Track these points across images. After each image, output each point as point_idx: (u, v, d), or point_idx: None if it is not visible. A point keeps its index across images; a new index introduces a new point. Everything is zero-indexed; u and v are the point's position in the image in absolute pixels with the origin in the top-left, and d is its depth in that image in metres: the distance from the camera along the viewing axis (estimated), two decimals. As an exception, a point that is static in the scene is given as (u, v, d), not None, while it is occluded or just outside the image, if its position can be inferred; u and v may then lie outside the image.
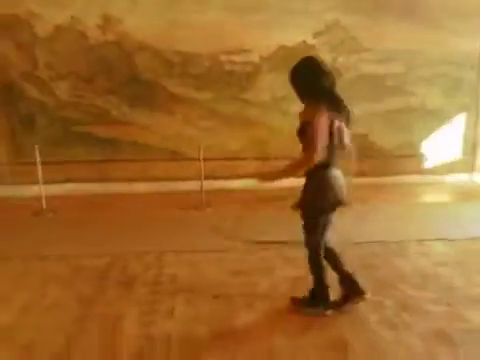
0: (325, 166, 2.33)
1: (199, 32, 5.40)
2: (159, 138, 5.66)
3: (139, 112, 5.57)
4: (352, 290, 2.50)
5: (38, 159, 4.77)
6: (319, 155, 2.23)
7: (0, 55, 5.24)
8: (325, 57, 5.61)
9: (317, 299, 2.52)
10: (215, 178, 5.63)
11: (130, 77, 5.48)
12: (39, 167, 4.77)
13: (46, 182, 5.39)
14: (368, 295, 2.51)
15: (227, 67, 5.62)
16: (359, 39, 5.67)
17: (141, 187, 5.62)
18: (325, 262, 2.50)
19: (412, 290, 2.81)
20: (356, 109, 5.63)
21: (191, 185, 5.41)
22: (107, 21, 5.31)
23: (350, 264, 2.56)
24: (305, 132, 2.29)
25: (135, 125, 5.59)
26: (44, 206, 4.75)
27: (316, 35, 5.62)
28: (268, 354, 2.14)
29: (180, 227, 4.26)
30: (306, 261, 2.50)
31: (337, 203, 2.40)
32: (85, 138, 5.55)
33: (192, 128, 5.71)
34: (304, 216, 2.43)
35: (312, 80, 2.37)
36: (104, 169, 5.65)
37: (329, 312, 2.48)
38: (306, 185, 2.40)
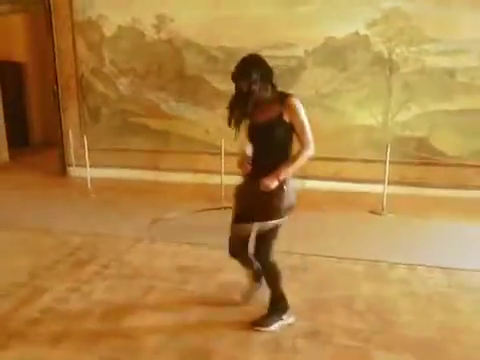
0: None
1: (243, 27, 5.36)
2: (203, 132, 5.83)
3: (185, 107, 5.82)
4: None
5: (86, 146, 5.41)
6: None
7: (76, 53, 6.07)
8: (380, 48, 5.05)
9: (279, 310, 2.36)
10: None
11: (178, 73, 5.76)
12: (86, 153, 5.41)
13: (105, 167, 6.13)
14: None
15: (271, 62, 5.43)
16: (422, 28, 4.86)
17: (186, 178, 5.89)
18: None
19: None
20: (415, 107, 5.01)
21: (229, 179, 5.49)
22: (161, 20, 5.67)
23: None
24: (274, 129, 2.19)
25: (182, 119, 5.87)
26: (89, 187, 5.38)
27: (370, 25, 5.03)
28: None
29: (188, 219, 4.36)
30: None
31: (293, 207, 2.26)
32: (140, 129, 6.06)
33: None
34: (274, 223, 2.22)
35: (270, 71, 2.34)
36: (155, 158, 6.08)
37: (291, 319, 2.38)
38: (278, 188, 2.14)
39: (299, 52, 5.31)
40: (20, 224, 4.09)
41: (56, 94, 6.24)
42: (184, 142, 5.92)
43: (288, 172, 2.17)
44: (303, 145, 2.20)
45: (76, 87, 6.18)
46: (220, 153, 5.82)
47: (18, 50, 8.85)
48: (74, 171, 6.22)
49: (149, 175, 6.02)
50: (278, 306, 2.37)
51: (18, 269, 3.09)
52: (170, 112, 5.90)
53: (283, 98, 2.23)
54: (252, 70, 2.31)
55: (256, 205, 2.18)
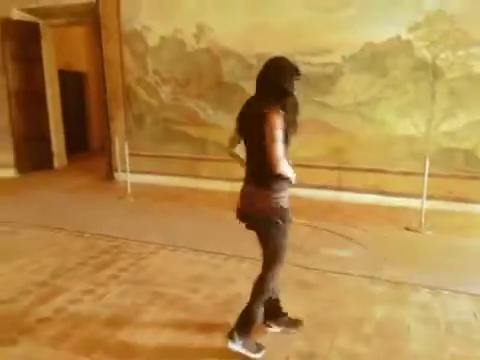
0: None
1: (277, 33, 5.32)
2: (237, 140, 5.85)
3: (221, 115, 5.89)
4: None
5: (127, 152, 5.66)
6: None
7: (122, 64, 6.39)
8: (423, 53, 4.76)
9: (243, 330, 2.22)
10: None
11: (216, 81, 5.84)
12: (127, 158, 5.66)
13: (146, 173, 6.39)
14: None
15: (304, 69, 5.31)
16: (469, 31, 4.50)
17: (222, 185, 5.94)
18: None
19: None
20: (462, 116, 4.65)
21: None
22: (201, 30, 5.80)
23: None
24: None
25: (218, 126, 5.94)
26: (128, 191, 5.62)
27: (412, 28, 4.75)
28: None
29: (214, 228, 4.37)
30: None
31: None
32: (180, 137, 6.23)
33: (268, 131, 5.69)
34: None
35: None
36: (193, 166, 6.21)
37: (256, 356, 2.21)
38: None
39: (336, 58, 5.16)
40: (57, 224, 4.37)
41: (105, 103, 6.62)
42: (220, 150, 5.98)
43: None
44: None
45: (123, 96, 6.50)
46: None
47: (80, 60, 9.51)
48: (119, 176, 6.53)
49: (187, 182, 6.16)
50: (244, 323, 2.21)
51: (43, 268, 3.30)
52: (208, 120, 6.01)
53: None
54: None
55: None
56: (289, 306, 2.50)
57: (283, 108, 2.09)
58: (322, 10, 5.12)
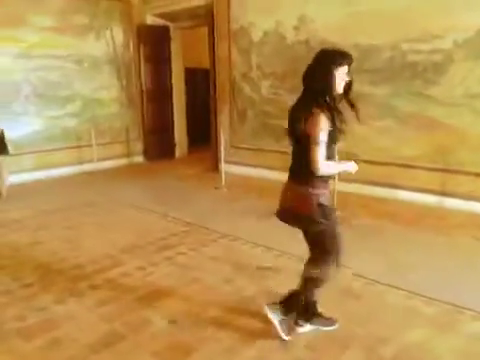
0: None
1: (380, 22, 4.87)
2: (333, 135, 5.60)
3: (317, 108, 5.70)
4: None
5: (222, 144, 5.97)
6: None
7: (230, 60, 6.70)
8: None
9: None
10: (380, 185, 5.14)
11: (313, 74, 5.67)
12: (222, 151, 5.98)
13: (245, 165, 6.65)
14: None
15: (410, 57, 4.77)
16: None
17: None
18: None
19: None
20: None
21: (352, 188, 5.27)
22: (302, 21, 5.69)
23: None
24: None
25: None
26: (223, 182, 5.94)
27: None
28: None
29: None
30: None
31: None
32: (277, 130, 6.26)
33: (364, 127, 5.28)
34: None
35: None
36: (286, 159, 6.18)
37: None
38: None
39: (446, 44, 4.48)
40: (151, 206, 4.91)
41: (213, 97, 7.07)
42: (316, 145, 5.81)
43: None
44: None
45: (229, 91, 6.83)
46: (347, 158, 5.50)
47: (205, 58, 10.27)
48: (222, 166, 6.93)
49: (282, 176, 6.16)
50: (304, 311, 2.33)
51: (118, 242, 3.79)
52: (304, 114, 5.89)
53: None
54: None
55: None
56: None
57: (328, 109, 2.05)
58: (431, -10, 4.51)
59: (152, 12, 7.86)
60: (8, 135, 5.89)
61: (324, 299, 2.50)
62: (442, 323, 2.44)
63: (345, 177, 5.33)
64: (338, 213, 4.35)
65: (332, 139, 2.08)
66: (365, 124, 5.22)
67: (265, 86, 6.31)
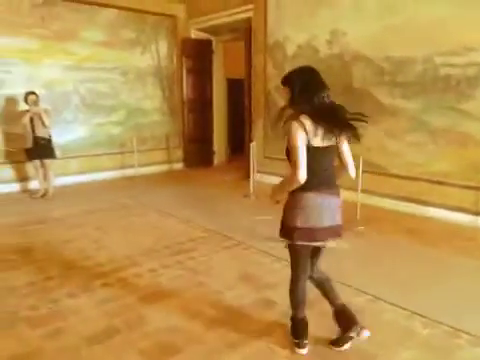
0: (302, 187, 2.10)
1: (413, 34, 4.77)
2: (364, 149, 5.50)
3: (349, 121, 5.64)
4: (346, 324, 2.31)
5: (252, 154, 6.07)
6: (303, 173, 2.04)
7: (265, 73, 6.82)
8: None
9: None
10: (409, 200, 5.00)
11: (345, 87, 5.61)
12: (252, 161, 6.08)
13: (276, 175, 6.70)
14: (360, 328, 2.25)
15: (443, 71, 4.61)
16: None
17: (349, 196, 5.72)
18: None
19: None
20: None
21: (379, 202, 5.20)
22: (334, 35, 5.69)
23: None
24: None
25: (345, 133, 5.72)
26: (251, 191, 6.04)
27: None
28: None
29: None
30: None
31: (310, 232, 2.16)
32: (309, 142, 6.26)
33: (395, 141, 5.16)
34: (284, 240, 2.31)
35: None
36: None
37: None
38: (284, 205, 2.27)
39: (480, 57, 4.29)
40: (177, 212, 5.11)
41: (248, 108, 7.22)
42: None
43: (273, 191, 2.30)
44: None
45: (264, 103, 6.95)
46: (379, 173, 5.39)
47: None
48: (256, 176, 7.04)
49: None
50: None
51: (138, 244, 4.01)
52: (335, 126, 5.84)
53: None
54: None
55: None
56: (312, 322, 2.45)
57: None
58: (465, 3, 4.34)
59: (196, 27, 8.20)
60: (58, 141, 6.45)
61: (319, 312, 2.53)
62: (437, 346, 2.35)
63: (373, 190, 5.25)
64: (360, 228, 4.37)
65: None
66: (395, 138, 5.13)
67: (298, 98, 6.34)
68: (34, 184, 6.38)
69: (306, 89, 2.18)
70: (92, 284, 3.17)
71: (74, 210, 5.31)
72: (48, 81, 6.67)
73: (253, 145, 6.35)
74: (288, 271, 3.11)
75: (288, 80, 2.27)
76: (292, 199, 2.19)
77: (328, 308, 2.43)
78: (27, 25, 6.36)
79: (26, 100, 5.94)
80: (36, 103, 5.95)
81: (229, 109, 9.34)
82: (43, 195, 6.13)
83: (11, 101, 6.31)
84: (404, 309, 2.74)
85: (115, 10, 7.24)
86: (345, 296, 2.84)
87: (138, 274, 3.36)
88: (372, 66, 5.28)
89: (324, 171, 2.15)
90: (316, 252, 2.33)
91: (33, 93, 5.97)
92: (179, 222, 4.76)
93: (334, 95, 5.87)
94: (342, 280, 3.14)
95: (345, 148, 2.24)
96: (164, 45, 8.04)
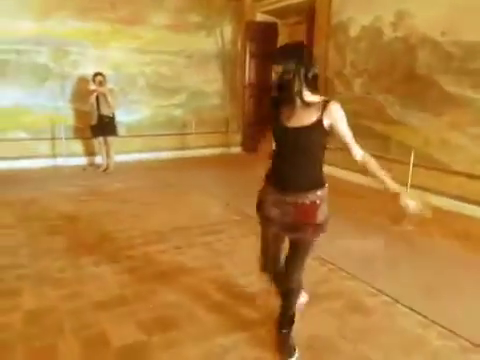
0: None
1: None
2: (422, 142, 5.06)
3: (409, 112, 5.20)
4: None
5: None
6: None
7: (327, 56, 6.52)
8: None
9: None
10: (472, 202, 4.54)
11: (407, 74, 5.17)
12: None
13: (330, 164, 6.47)
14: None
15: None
16: None
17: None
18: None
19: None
20: None
21: (437, 201, 4.79)
22: (400, 16, 5.23)
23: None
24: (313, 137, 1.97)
25: (404, 125, 5.29)
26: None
27: None
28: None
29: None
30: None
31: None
32: (365, 132, 5.90)
33: (459, 134, 4.65)
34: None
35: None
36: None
37: None
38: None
39: None
40: (219, 194, 5.17)
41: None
42: (404, 151, 5.32)
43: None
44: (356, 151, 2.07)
45: (322, 87, 6.67)
46: (438, 169, 4.94)
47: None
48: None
49: (365, 180, 5.83)
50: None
51: (172, 222, 4.14)
52: (394, 116, 5.44)
53: (325, 103, 1.97)
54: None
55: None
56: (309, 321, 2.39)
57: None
58: None
59: (262, 9, 8.07)
60: (123, 120, 6.87)
61: (326, 307, 2.42)
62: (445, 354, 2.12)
63: (428, 187, 4.82)
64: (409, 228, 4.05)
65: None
66: (460, 131, 4.66)
67: (357, 84, 6.00)
68: (99, 159, 6.86)
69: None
70: (118, 255, 3.35)
71: (126, 185, 5.63)
72: (115, 63, 7.06)
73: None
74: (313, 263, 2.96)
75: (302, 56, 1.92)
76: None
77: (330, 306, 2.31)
78: (97, 9, 6.75)
79: (93, 80, 6.37)
80: (102, 83, 6.36)
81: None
82: (105, 170, 6.57)
83: (82, 81, 6.80)
84: (423, 316, 2.51)
85: (182, -6, 7.40)
86: (361, 295, 2.70)
87: (163, 250, 3.47)
88: (439, 51, 4.79)
89: None
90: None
91: (100, 74, 6.37)
92: (218, 204, 4.81)
93: (394, 82, 5.52)
94: (365, 278, 2.98)
95: None
96: (229, 29, 8.06)
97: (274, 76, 1.89)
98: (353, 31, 5.98)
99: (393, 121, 5.46)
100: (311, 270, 3.12)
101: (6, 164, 6.31)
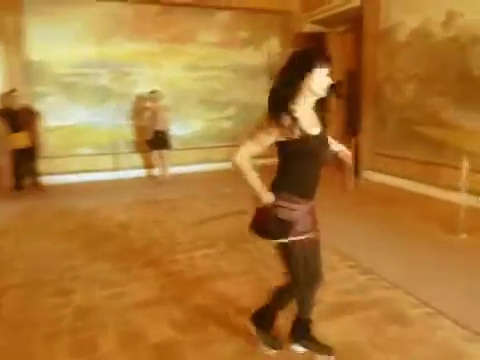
0: None
1: None
2: (477, 144, 4.77)
3: (465, 115, 4.93)
4: None
5: (353, 148, 5.79)
6: None
7: (375, 62, 6.39)
8: None
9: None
10: None
11: (461, 75, 4.93)
12: (350, 155, 5.80)
13: (379, 171, 6.34)
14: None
15: None
16: None
17: (453, 197, 5.08)
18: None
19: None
20: None
21: None
22: (450, 17, 5.03)
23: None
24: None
25: (460, 129, 5.03)
26: (352, 187, 5.79)
27: None
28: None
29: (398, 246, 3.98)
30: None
31: None
32: (417, 137, 5.69)
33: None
34: None
35: None
36: (427, 171, 5.57)
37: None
38: None
39: None
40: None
41: (356, 101, 6.88)
42: (458, 156, 5.04)
43: None
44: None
45: (372, 94, 6.53)
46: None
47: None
48: (363, 173, 6.74)
49: (418, 187, 5.62)
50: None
51: (218, 230, 4.27)
52: (449, 120, 5.18)
53: None
54: None
55: None
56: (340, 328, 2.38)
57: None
58: None
59: (310, 19, 8.12)
60: (177, 133, 7.26)
61: (361, 316, 2.41)
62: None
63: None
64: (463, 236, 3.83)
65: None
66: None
67: (408, 89, 5.81)
68: (155, 171, 7.27)
69: None
70: (163, 259, 3.56)
71: (178, 195, 5.92)
72: (169, 80, 7.49)
73: (353, 140, 6.07)
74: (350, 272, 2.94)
75: None
76: None
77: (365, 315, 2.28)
78: (151, 30, 7.23)
79: (149, 98, 6.82)
80: (156, 100, 6.78)
81: (347, 102, 8.98)
82: (160, 181, 6.95)
83: (139, 99, 7.29)
84: (467, 330, 2.37)
85: (229, 11, 7.68)
86: (402, 306, 2.63)
87: (206, 255, 3.62)
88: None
89: None
90: None
91: (155, 91, 6.81)
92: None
93: (447, 84, 5.33)
94: (409, 288, 2.88)
95: None
96: (276, 41, 8.21)
97: (328, 79, 1.91)
98: (402, 35, 5.84)
99: (448, 125, 5.20)
100: (349, 278, 3.12)
101: (73, 177, 6.92)
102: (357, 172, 6.89)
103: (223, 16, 7.68)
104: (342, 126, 8.79)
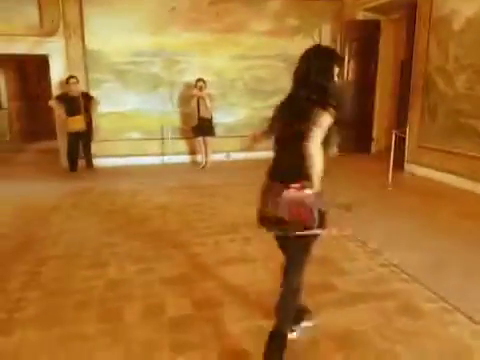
0: None
1: None
2: None
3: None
4: None
5: (393, 141, 5.62)
6: None
7: (427, 52, 6.10)
8: None
9: None
10: None
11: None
12: (392, 148, 5.64)
13: (426, 165, 6.13)
14: None
15: None
16: None
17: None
18: None
19: None
20: None
21: None
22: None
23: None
24: None
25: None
26: (389, 181, 5.64)
27: None
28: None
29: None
30: None
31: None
32: (468, 131, 5.41)
33: None
34: None
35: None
36: (474, 166, 5.30)
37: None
38: None
39: None
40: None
41: (405, 92, 6.62)
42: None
43: None
44: None
45: (423, 85, 6.26)
46: None
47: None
48: (408, 167, 6.53)
49: (464, 183, 5.38)
50: None
51: (248, 216, 4.30)
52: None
53: None
54: None
55: None
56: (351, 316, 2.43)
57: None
58: None
59: (363, 7, 7.87)
60: (222, 121, 7.44)
61: (374, 305, 2.47)
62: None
63: None
64: None
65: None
66: None
67: (460, 80, 5.51)
68: (199, 157, 7.52)
69: None
70: (192, 241, 3.75)
71: (218, 181, 6.11)
72: (218, 69, 7.65)
73: (394, 132, 5.89)
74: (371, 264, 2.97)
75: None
76: None
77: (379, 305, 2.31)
78: (204, 21, 7.40)
79: (195, 85, 7.03)
80: (202, 88, 6.98)
81: (399, 93, 8.65)
82: (203, 167, 7.19)
83: (187, 87, 7.53)
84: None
85: (281, 0, 7.65)
86: (417, 299, 2.63)
87: (232, 239, 3.77)
88: None
89: None
90: None
91: (201, 80, 7.01)
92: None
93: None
94: (428, 282, 2.85)
95: None
96: (327, 29, 8.05)
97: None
98: (456, 24, 5.52)
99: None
100: (369, 269, 3.13)
101: (122, 160, 7.35)
102: (401, 166, 6.69)
103: (274, 5, 7.67)
104: (393, 119, 8.51)
